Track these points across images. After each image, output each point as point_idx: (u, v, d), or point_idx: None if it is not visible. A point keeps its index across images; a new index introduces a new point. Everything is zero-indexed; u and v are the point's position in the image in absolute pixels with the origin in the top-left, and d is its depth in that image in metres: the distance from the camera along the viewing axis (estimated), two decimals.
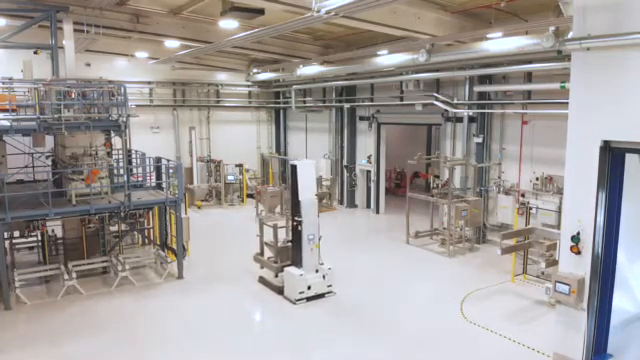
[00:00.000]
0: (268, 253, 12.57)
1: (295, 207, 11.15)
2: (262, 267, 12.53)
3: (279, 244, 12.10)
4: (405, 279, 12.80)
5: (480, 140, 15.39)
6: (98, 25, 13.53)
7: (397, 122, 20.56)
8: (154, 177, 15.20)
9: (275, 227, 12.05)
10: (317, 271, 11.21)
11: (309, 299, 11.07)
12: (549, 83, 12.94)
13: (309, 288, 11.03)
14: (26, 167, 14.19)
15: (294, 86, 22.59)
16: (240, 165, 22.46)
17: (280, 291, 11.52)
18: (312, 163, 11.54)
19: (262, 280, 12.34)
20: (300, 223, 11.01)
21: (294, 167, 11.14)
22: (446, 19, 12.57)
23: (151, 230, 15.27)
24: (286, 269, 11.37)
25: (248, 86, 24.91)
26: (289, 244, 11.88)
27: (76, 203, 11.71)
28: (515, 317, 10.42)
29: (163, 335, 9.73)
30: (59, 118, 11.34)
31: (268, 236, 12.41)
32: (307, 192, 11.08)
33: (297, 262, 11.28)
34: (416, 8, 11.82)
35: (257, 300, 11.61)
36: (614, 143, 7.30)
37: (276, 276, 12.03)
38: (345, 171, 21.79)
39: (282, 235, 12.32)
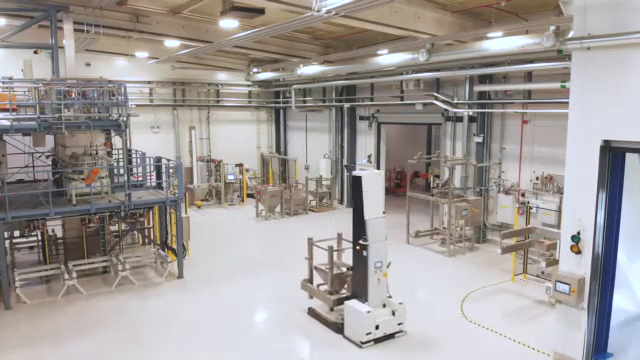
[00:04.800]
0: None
1: (359, 228, 9.19)
2: (311, 297, 10.65)
3: (333, 270, 10.19)
4: (405, 278, 12.77)
5: (480, 140, 15.39)
6: (98, 25, 13.54)
7: (397, 122, 20.56)
8: (154, 177, 15.21)
9: (330, 250, 10.09)
10: (385, 306, 9.30)
11: (377, 341, 9.10)
12: (549, 82, 12.93)
13: (377, 328, 9.03)
14: (26, 167, 14.20)
15: (294, 86, 22.58)
16: (240, 165, 22.45)
17: (339, 329, 9.49)
18: (380, 174, 9.62)
19: (313, 313, 10.31)
20: (366, 248, 9.07)
21: (358, 179, 9.15)
22: (446, 18, 12.57)
23: (151, 230, 15.27)
24: (348, 303, 9.31)
25: (248, 86, 24.92)
26: (345, 271, 10.16)
27: (76, 203, 11.70)
28: (515, 316, 10.42)
29: (163, 334, 9.73)
30: (59, 118, 11.33)
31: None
32: (374, 209, 9.15)
33: (360, 295, 9.32)
34: (416, 7, 11.81)
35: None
36: (614, 143, 7.30)
37: (331, 309, 10.11)
38: (345, 171, 21.79)
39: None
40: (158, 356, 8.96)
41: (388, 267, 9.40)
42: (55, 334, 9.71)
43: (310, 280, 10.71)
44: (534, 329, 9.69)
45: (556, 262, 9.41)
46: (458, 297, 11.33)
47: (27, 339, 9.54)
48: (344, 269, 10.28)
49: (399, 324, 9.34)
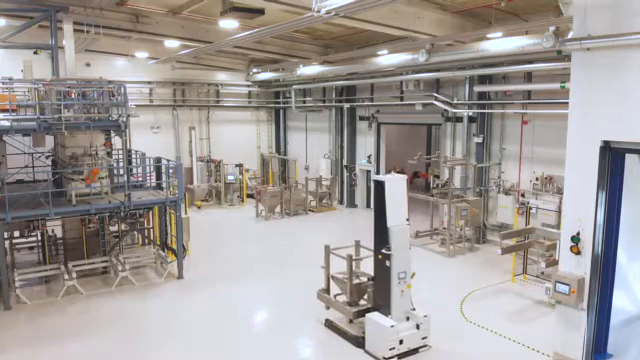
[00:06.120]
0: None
1: (382, 236, 8.70)
2: (328, 307, 10.05)
3: (350, 280, 9.58)
4: None
5: (480, 140, 15.39)
6: (98, 25, 13.54)
7: (397, 122, 20.57)
8: (154, 177, 15.21)
9: (350, 259, 9.54)
10: (408, 319, 8.80)
11: (400, 356, 8.62)
12: (549, 83, 12.95)
13: (401, 342, 8.55)
14: (26, 167, 14.20)
15: (294, 86, 22.60)
16: (240, 165, 22.47)
17: (359, 343, 9.00)
18: (403, 179, 8.99)
19: (330, 325, 9.80)
20: (389, 257, 8.57)
21: (380, 184, 8.64)
22: (446, 19, 12.58)
23: (151, 230, 15.26)
24: (369, 317, 8.80)
25: (248, 86, 24.92)
26: (366, 281, 9.60)
27: (76, 203, 11.70)
28: (515, 317, 10.43)
29: (163, 335, 9.74)
30: (59, 118, 11.34)
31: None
32: (397, 216, 8.65)
33: (383, 307, 8.81)
34: (416, 8, 11.83)
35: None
36: (614, 143, 7.30)
37: (350, 322, 9.62)
38: (345, 171, 21.80)
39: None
40: (157, 356, 8.96)
41: (412, 278, 8.88)
42: (55, 334, 9.71)
43: (327, 290, 10.12)
44: (534, 329, 9.69)
45: (556, 262, 9.40)
46: (458, 297, 11.33)
47: (27, 339, 9.53)
48: (364, 279, 9.68)
49: (423, 338, 8.88)
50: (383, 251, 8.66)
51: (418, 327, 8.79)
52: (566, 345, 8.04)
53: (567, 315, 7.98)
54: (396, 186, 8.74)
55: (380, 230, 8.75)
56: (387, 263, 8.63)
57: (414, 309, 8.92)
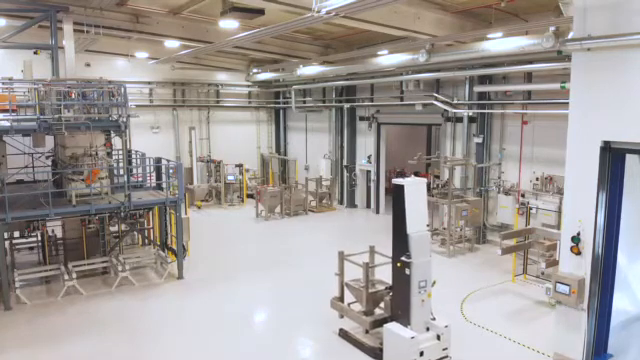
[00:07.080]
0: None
1: (401, 243, 8.25)
2: (342, 316, 9.64)
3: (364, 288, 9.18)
4: None
5: (480, 140, 15.39)
6: (98, 25, 13.52)
7: (397, 122, 20.57)
8: (154, 177, 15.21)
9: (366, 266, 9.18)
10: (428, 329, 8.35)
11: None
12: (549, 83, 12.94)
13: (421, 354, 8.08)
14: (26, 167, 14.19)
15: (294, 86, 22.61)
16: (240, 165, 22.46)
17: (376, 355, 8.64)
18: (423, 182, 8.50)
19: (344, 335, 9.41)
20: (409, 265, 8.14)
21: (399, 188, 8.18)
22: (446, 19, 12.57)
23: (151, 230, 15.26)
24: (388, 327, 8.39)
25: (248, 86, 24.92)
26: (383, 289, 9.20)
27: (76, 203, 11.69)
28: (515, 317, 10.42)
29: (163, 335, 9.74)
30: (59, 118, 11.34)
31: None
32: (417, 222, 8.26)
33: (401, 317, 8.38)
34: (416, 8, 11.82)
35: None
36: (614, 144, 7.29)
37: (366, 332, 9.23)
38: (345, 171, 21.80)
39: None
40: (158, 357, 8.96)
41: (433, 286, 8.49)
42: (55, 335, 9.71)
43: (341, 298, 9.73)
44: (534, 330, 9.70)
45: (556, 263, 9.41)
46: (458, 298, 11.33)
47: (27, 340, 9.53)
48: (380, 287, 9.30)
49: (444, 349, 8.36)
50: (403, 259, 8.23)
51: (439, 338, 8.33)
52: (566, 345, 8.03)
53: (567, 315, 7.98)
54: (416, 190, 8.30)
55: (399, 236, 8.31)
56: (407, 271, 8.20)
57: (434, 319, 8.48)
